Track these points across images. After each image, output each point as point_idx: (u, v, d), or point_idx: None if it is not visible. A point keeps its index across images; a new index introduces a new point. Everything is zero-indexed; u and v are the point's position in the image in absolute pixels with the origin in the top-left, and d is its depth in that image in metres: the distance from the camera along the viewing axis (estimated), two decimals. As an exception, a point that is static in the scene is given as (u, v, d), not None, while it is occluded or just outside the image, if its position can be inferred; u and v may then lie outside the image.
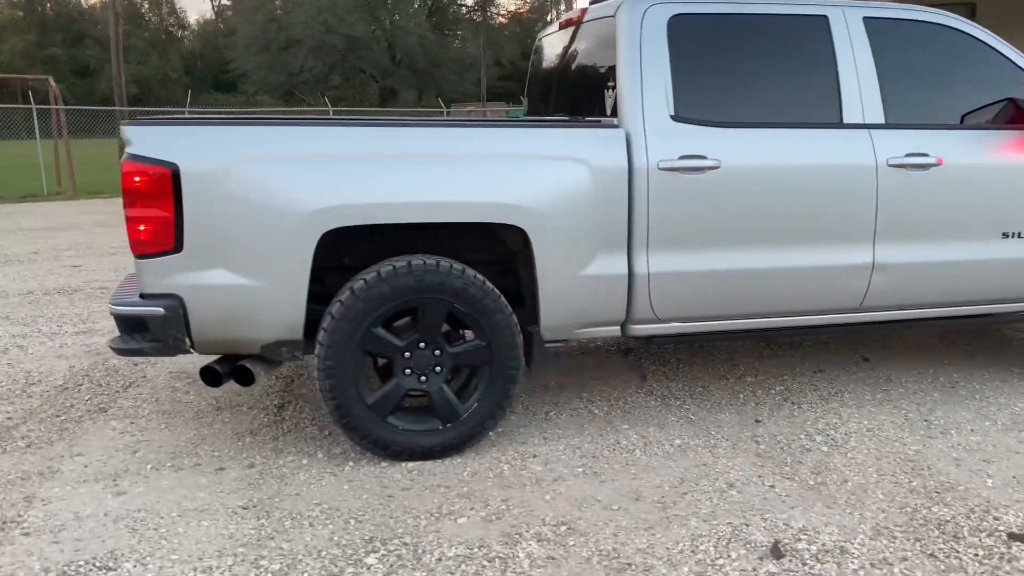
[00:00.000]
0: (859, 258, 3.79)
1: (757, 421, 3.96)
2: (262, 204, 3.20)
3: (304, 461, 3.55)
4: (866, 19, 3.85)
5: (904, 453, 3.58)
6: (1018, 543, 2.85)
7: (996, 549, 2.81)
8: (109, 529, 2.99)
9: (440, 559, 2.76)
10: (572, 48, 4.33)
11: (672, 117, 3.56)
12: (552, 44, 4.67)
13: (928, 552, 2.80)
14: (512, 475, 3.40)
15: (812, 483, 3.31)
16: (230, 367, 3.46)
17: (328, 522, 3.02)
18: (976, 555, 2.78)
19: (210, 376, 3.46)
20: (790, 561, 2.74)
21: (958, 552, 2.80)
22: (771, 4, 3.80)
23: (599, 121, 3.64)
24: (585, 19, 4.11)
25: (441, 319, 3.43)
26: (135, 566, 2.72)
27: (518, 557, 2.78)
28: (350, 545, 2.86)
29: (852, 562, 2.73)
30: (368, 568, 2.72)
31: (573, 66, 4.32)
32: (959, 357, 4.90)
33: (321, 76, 47.29)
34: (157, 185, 3.13)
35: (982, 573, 2.67)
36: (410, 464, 3.48)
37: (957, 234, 3.89)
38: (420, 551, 2.82)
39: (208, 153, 3.17)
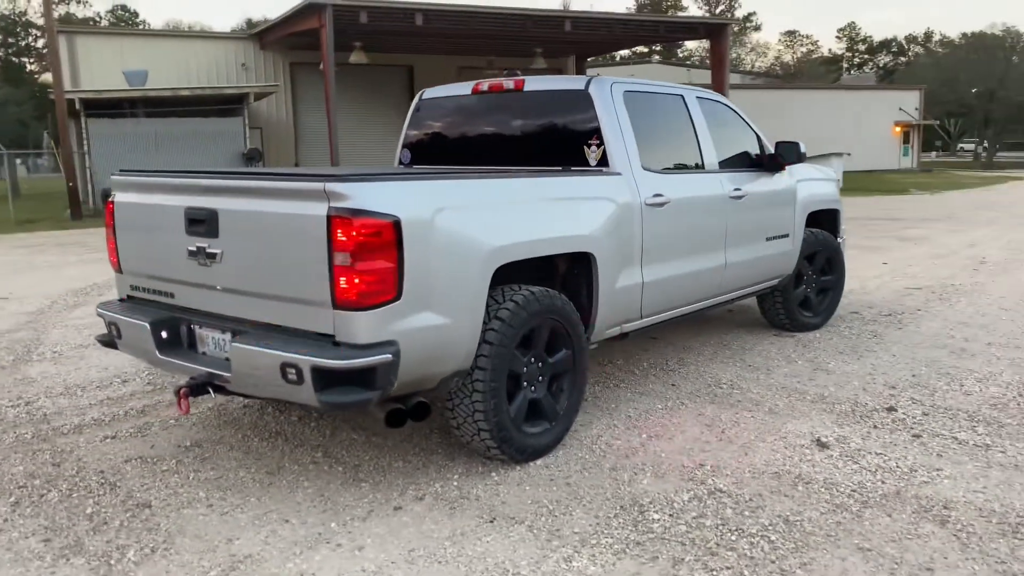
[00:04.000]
0: (721, 260, 5.52)
1: (673, 386, 5.41)
2: (455, 247, 3.57)
3: (455, 483, 3.88)
4: (697, 97, 5.61)
5: (782, 384, 5.40)
6: (892, 412, 4.86)
7: (892, 415, 4.77)
8: (440, 560, 3.11)
9: (686, 502, 3.64)
10: (505, 110, 5.19)
11: (642, 166, 4.81)
12: (455, 105, 5.42)
13: (872, 426, 4.63)
14: (612, 450, 4.28)
15: (771, 408, 4.90)
16: (407, 406, 3.64)
17: (571, 508, 3.59)
18: (890, 421, 4.69)
19: (396, 418, 3.60)
20: (834, 448, 4.29)
21: (881, 422, 4.68)
22: (660, 85, 5.32)
23: (601, 170, 4.68)
24: (526, 88, 5.04)
25: (547, 335, 4.13)
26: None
27: (720, 488, 3.80)
28: (620, 514, 3.53)
29: (855, 441, 4.39)
30: (655, 521, 3.47)
31: (509, 125, 5.18)
32: (702, 328, 7.00)
33: None
34: (384, 237, 3.28)
35: (907, 427, 4.58)
36: (538, 462, 4.10)
37: (750, 240, 5.87)
38: (665, 502, 3.64)
39: (418, 204, 3.43)
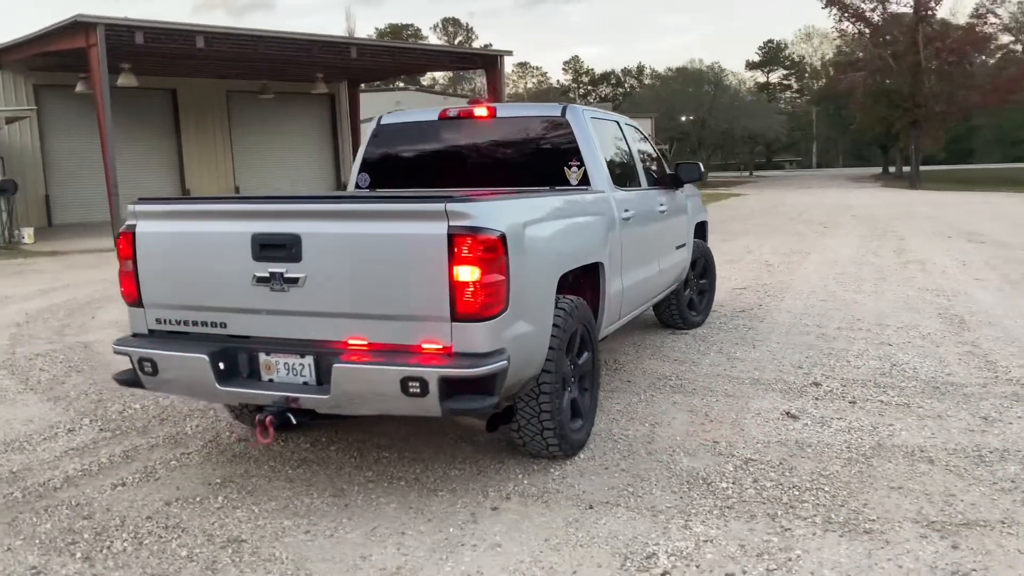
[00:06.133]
0: (657, 267, 6.18)
1: (629, 382, 5.97)
2: (537, 258, 3.88)
3: (525, 481, 4.13)
4: (626, 123, 6.25)
5: (716, 373, 6.14)
6: (818, 386, 5.77)
7: (822, 388, 5.67)
8: (580, 544, 3.38)
9: (734, 471, 4.19)
10: (474, 135, 5.47)
11: (614, 185, 5.34)
12: (419, 130, 5.60)
13: (814, 398, 5.48)
14: (632, 438, 4.73)
15: (725, 393, 5.61)
16: (499, 413, 3.85)
17: (648, 488, 4.01)
18: (824, 393, 5.57)
19: (495, 423, 3.82)
20: (803, 418, 5.06)
21: (818, 395, 5.55)
22: (603, 112, 5.90)
23: (586, 188, 5.13)
24: (499, 115, 5.38)
25: (579, 340, 4.51)
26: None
27: (750, 458, 4.39)
28: (693, 488, 4.00)
29: (813, 411, 5.21)
30: (726, 488, 3.98)
31: (480, 149, 5.47)
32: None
33: None
34: (498, 252, 3.52)
35: (841, 396, 5.48)
36: (582, 455, 4.46)
37: (669, 249, 6.60)
38: (720, 474, 4.16)
39: (514, 221, 3.69)
